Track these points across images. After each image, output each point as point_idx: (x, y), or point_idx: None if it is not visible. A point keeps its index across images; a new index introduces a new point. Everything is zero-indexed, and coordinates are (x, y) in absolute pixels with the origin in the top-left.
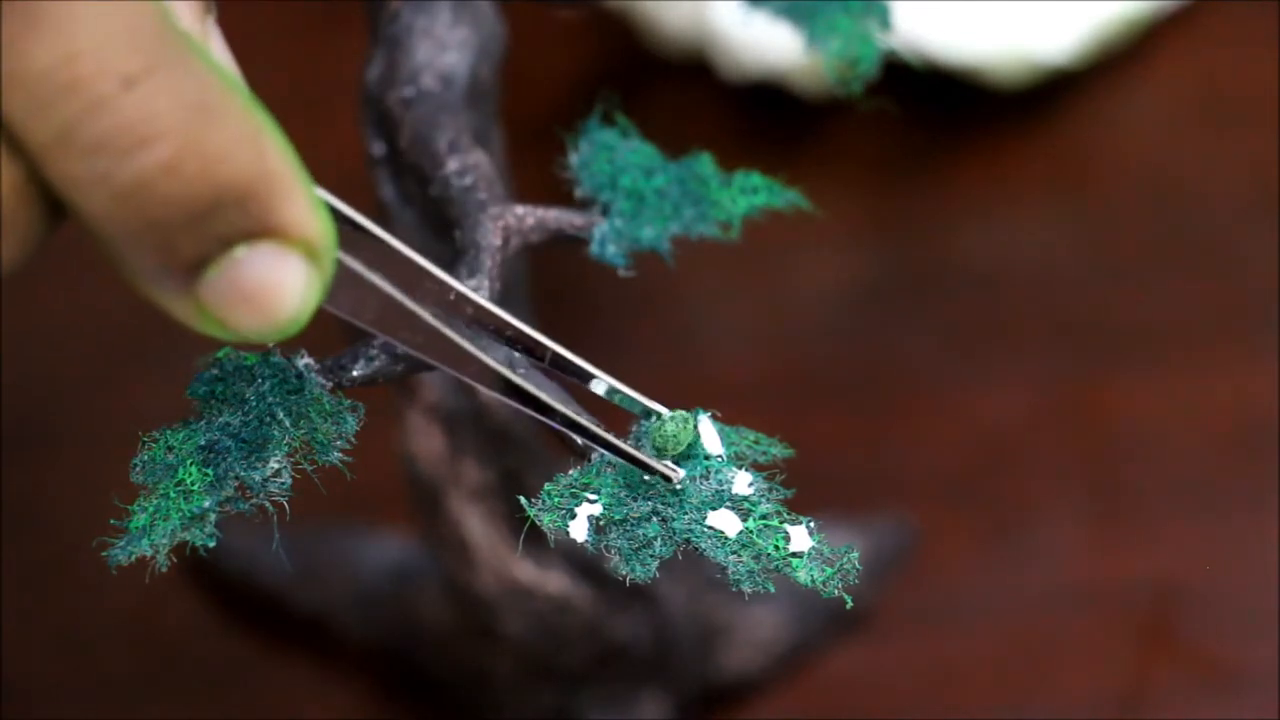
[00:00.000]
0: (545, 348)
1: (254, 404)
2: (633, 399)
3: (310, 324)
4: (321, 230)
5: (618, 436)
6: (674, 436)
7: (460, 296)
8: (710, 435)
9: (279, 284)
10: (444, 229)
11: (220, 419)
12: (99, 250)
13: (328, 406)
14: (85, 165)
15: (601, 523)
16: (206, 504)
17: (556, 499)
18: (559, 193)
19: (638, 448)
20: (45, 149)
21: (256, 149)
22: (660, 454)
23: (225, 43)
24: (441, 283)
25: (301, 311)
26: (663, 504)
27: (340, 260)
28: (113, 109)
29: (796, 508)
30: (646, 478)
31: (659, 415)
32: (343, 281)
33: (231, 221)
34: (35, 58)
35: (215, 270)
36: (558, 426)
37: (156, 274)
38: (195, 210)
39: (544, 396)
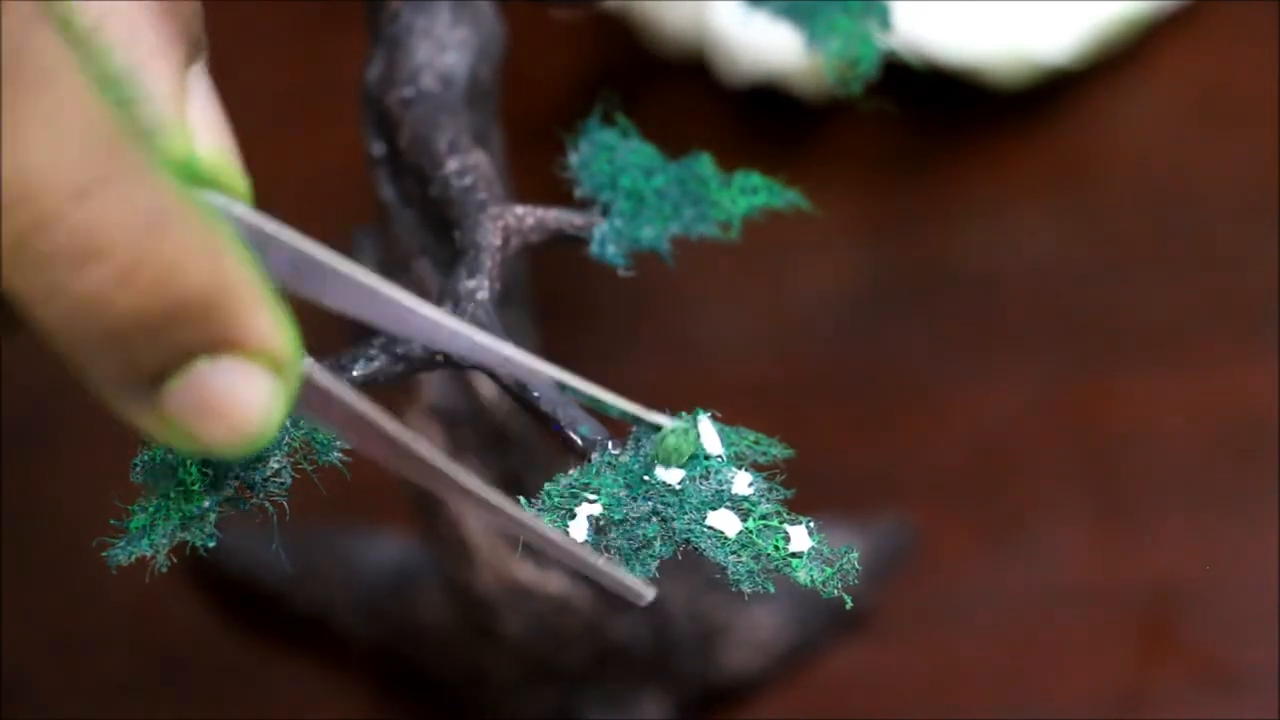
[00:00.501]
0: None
1: None
2: (631, 413)
3: (311, 324)
4: (285, 342)
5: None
6: (675, 449)
7: (451, 330)
8: (710, 435)
9: (243, 398)
10: (444, 229)
11: None
12: (63, 361)
13: None
14: (38, 278)
15: (601, 523)
16: (206, 504)
17: (556, 499)
18: (559, 193)
19: (638, 451)
20: None
21: (214, 260)
22: (664, 466)
23: (211, 96)
24: (430, 318)
25: (268, 425)
26: (663, 504)
27: (308, 372)
28: (63, 222)
29: (796, 508)
30: (646, 477)
31: (659, 426)
32: (309, 390)
33: (191, 334)
34: None
35: (177, 383)
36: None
37: (119, 386)
38: (151, 323)
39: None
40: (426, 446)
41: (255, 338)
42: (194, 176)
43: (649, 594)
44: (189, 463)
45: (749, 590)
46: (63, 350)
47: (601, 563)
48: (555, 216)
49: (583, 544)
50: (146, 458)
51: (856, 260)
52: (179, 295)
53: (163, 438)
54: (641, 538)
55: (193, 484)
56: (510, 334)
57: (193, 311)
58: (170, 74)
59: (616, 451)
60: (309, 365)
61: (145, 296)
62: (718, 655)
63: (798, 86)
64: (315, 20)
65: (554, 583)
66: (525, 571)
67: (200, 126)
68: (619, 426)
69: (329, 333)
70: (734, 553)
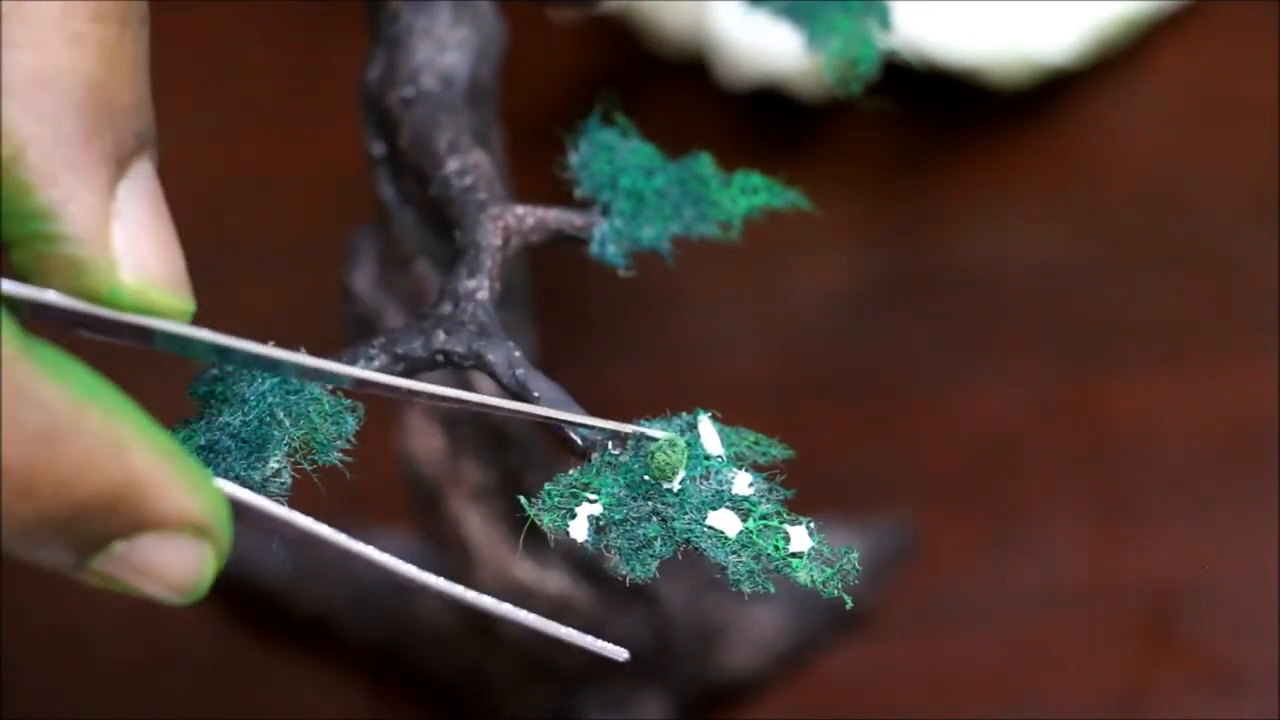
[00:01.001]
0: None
1: (254, 404)
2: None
3: (311, 324)
4: (207, 508)
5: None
6: (667, 465)
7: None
8: (710, 435)
9: (167, 565)
10: (444, 229)
11: (220, 419)
12: None
13: (327, 407)
14: None
15: (601, 523)
16: None
17: (556, 499)
18: (559, 193)
19: (638, 451)
20: None
21: (115, 458)
22: (662, 479)
23: (153, 195)
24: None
25: (201, 582)
26: (663, 504)
27: (244, 501)
28: None
29: (796, 508)
30: (646, 477)
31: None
32: (249, 514)
33: (104, 524)
34: None
35: (103, 557)
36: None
37: (47, 563)
38: (60, 525)
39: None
40: (374, 552)
41: (172, 516)
42: (121, 308)
43: (622, 654)
44: None
45: (749, 590)
46: None
47: (571, 633)
48: (555, 216)
49: (547, 622)
50: None
51: (856, 260)
52: (81, 499)
53: (110, 589)
54: (642, 538)
55: None
56: (510, 334)
57: (100, 508)
58: (94, 202)
59: (616, 451)
60: (243, 495)
61: (48, 505)
62: (718, 655)
63: (798, 89)
64: (315, 20)
65: (554, 583)
66: (525, 571)
67: (135, 244)
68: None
69: (330, 333)
70: (734, 553)
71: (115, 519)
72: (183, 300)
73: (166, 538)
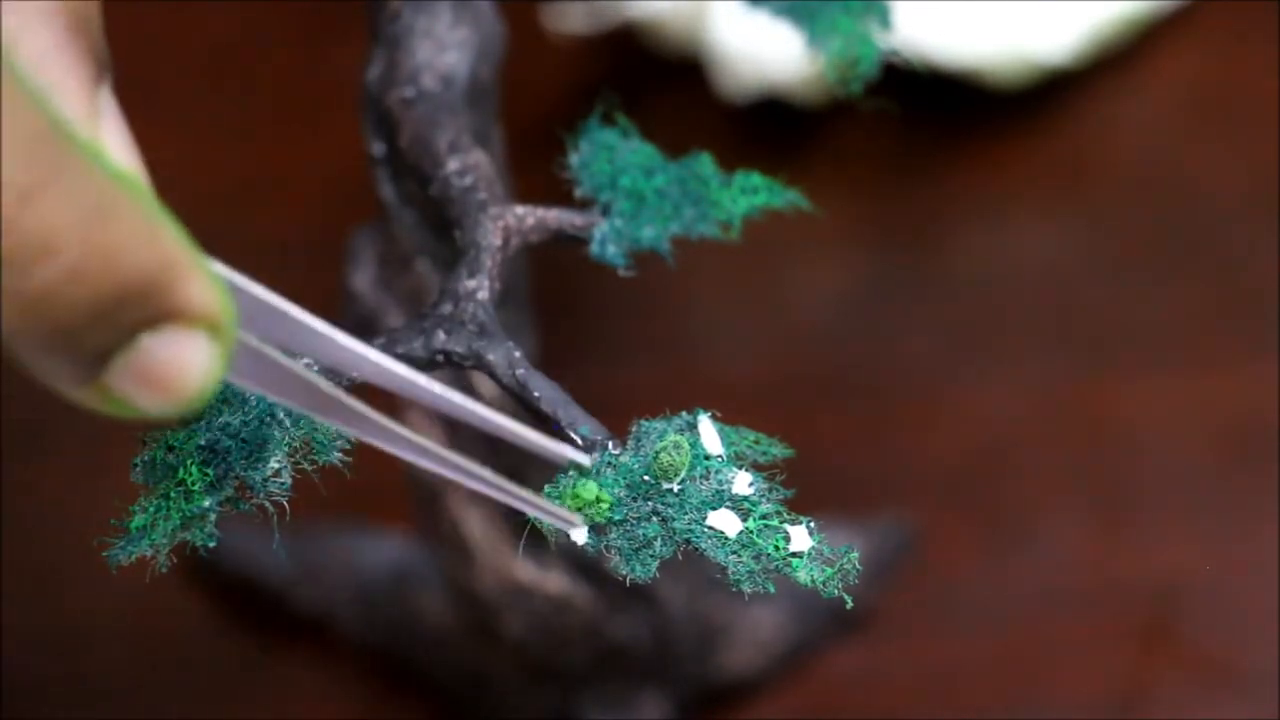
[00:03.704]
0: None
1: (254, 404)
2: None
3: None
4: (221, 305)
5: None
6: (671, 466)
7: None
8: (710, 435)
9: (184, 363)
10: (444, 229)
11: (220, 419)
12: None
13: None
14: None
15: (602, 523)
16: (206, 504)
17: (557, 499)
18: (559, 193)
19: (638, 451)
20: None
21: (153, 239)
22: (664, 479)
23: (119, 114)
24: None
25: (206, 387)
26: (663, 504)
27: (261, 348)
28: (12, 226)
29: (796, 508)
30: (646, 477)
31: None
32: (266, 367)
33: (136, 312)
34: None
35: (121, 359)
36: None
37: (59, 369)
38: (101, 309)
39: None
40: (355, 401)
41: (195, 306)
42: None
43: (583, 459)
44: (189, 463)
45: (749, 590)
46: (7, 345)
47: (530, 434)
48: (555, 216)
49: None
50: (146, 458)
51: (856, 260)
52: (125, 278)
53: (100, 409)
54: (642, 538)
55: (193, 484)
56: (510, 334)
57: (138, 291)
58: (84, 94)
59: (617, 451)
60: (261, 344)
61: (95, 286)
62: (718, 655)
63: (799, 97)
64: (315, 20)
65: (554, 583)
66: (525, 571)
67: (112, 147)
68: (620, 426)
69: None
70: (734, 553)
71: (149, 304)
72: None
73: (185, 332)
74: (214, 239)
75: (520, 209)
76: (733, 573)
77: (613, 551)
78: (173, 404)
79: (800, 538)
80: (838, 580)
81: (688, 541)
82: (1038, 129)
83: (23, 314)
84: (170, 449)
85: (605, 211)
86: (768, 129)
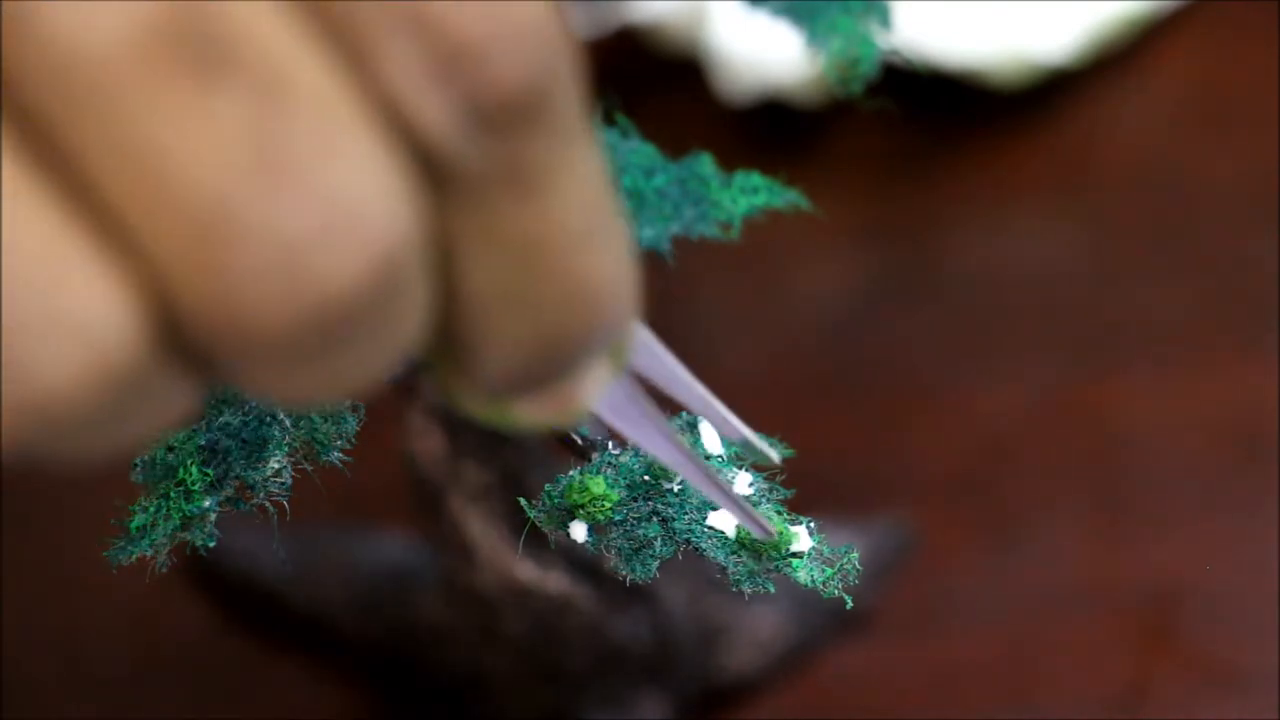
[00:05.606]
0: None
1: (254, 404)
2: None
3: None
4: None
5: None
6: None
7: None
8: (710, 435)
9: (590, 384)
10: None
11: (220, 419)
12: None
13: (328, 406)
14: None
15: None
16: (206, 504)
17: (556, 500)
18: None
19: (639, 451)
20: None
21: (630, 265)
22: (665, 479)
23: None
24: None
25: (591, 405)
26: (663, 504)
27: None
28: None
29: (796, 508)
30: (646, 477)
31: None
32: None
33: (605, 343)
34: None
35: (565, 383)
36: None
37: (513, 389)
38: (593, 344)
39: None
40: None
41: (624, 335)
42: None
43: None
44: (189, 463)
45: (749, 590)
46: (481, 376)
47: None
48: None
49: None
50: (147, 458)
51: (856, 260)
52: (620, 314)
53: (484, 419)
54: (642, 538)
55: (193, 484)
56: None
57: (619, 323)
58: None
59: (617, 451)
60: None
61: (603, 323)
62: (718, 655)
63: (798, 98)
64: None
65: (554, 583)
66: (525, 571)
67: None
68: None
69: None
70: (734, 553)
71: (612, 336)
72: None
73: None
74: None
75: None
76: (733, 573)
77: (613, 551)
78: (562, 421)
79: (800, 538)
80: (838, 580)
81: (688, 541)
82: (1038, 129)
83: (541, 352)
84: (170, 449)
85: None
86: (768, 129)
